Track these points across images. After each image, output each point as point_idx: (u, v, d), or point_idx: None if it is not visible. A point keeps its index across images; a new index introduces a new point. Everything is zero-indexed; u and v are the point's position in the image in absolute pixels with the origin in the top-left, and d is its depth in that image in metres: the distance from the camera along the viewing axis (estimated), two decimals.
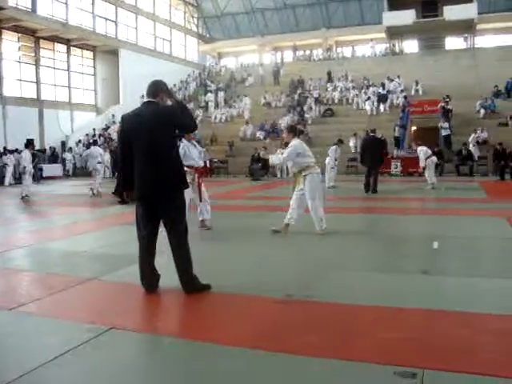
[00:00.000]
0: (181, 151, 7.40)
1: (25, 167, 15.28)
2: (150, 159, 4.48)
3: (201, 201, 8.11)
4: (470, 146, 20.73)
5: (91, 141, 22.94)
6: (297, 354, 3.26)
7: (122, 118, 4.77)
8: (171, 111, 4.66)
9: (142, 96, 31.63)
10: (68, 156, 26.97)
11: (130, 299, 4.63)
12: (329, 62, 35.07)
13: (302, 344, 3.43)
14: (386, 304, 4.25)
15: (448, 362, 3.08)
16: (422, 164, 15.03)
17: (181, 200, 4.63)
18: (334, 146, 15.89)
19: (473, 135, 21.41)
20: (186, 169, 6.83)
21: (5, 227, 9.73)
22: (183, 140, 7.96)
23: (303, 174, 7.52)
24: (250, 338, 3.55)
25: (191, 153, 7.98)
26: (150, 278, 4.70)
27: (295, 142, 7.57)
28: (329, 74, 31.16)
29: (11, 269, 6.10)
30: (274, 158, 8.00)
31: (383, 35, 35.32)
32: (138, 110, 4.69)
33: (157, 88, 4.72)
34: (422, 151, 15.22)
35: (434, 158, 15.46)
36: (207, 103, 31.09)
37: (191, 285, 4.61)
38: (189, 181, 7.11)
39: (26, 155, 15.34)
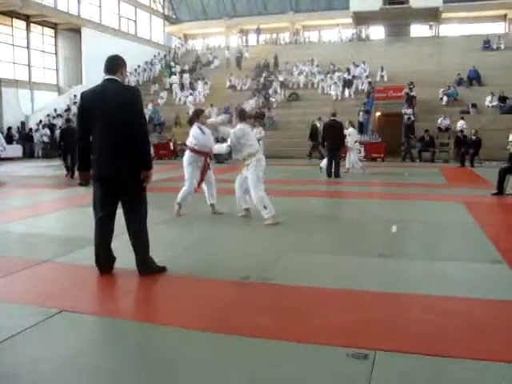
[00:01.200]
0: (194, 135, 7.56)
1: None
2: (111, 138, 4.35)
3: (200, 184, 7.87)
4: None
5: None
6: (248, 335, 3.24)
7: (82, 95, 4.60)
8: (136, 93, 4.53)
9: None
10: (36, 135, 26.21)
11: (83, 282, 4.52)
12: (295, 46, 35.03)
13: (254, 326, 3.41)
14: (342, 286, 4.26)
15: (401, 343, 3.11)
16: (349, 145, 15.12)
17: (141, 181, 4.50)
18: (352, 129, 15.57)
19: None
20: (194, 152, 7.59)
21: None
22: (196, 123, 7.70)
23: (246, 162, 7.27)
24: (202, 321, 3.51)
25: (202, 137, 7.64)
26: (105, 260, 4.60)
27: (239, 127, 7.26)
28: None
29: None
30: (217, 148, 7.80)
31: (350, 21, 35.40)
32: (100, 87, 4.52)
33: (116, 63, 4.56)
34: (354, 133, 15.44)
35: (357, 145, 15.96)
36: (171, 85, 30.68)
37: (146, 267, 4.54)
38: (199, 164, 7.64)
39: None
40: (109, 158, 4.38)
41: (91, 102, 4.44)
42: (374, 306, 3.82)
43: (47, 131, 26.23)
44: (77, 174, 5.38)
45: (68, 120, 18.29)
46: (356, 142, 15.69)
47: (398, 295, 4.07)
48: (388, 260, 5.19)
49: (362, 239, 6.48)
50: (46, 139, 26.08)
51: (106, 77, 4.53)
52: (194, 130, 7.62)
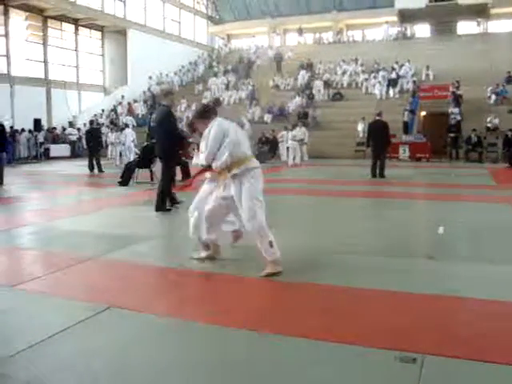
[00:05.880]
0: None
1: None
2: None
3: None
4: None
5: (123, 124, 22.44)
6: (297, 336, 3.22)
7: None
8: None
9: (150, 77, 31.66)
10: (73, 133, 26.73)
11: (129, 279, 4.60)
12: (339, 45, 34.73)
13: (303, 327, 3.39)
14: (389, 288, 4.19)
15: (450, 348, 3.03)
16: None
17: None
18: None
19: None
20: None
21: (11, 206, 9.77)
22: None
23: (232, 172, 4.66)
24: (250, 320, 3.52)
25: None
26: None
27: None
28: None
29: (15, 247, 6.13)
30: (196, 161, 5.27)
31: (395, 18, 34.85)
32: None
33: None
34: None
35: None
36: (216, 86, 30.83)
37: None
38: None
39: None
40: None
41: None
42: (422, 309, 3.74)
43: (75, 131, 26.72)
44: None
45: (92, 122, 18.74)
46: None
47: (446, 298, 3.97)
48: (436, 262, 5.08)
49: (408, 240, 6.37)
50: (73, 138, 26.51)
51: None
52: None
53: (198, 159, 5.01)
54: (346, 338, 3.18)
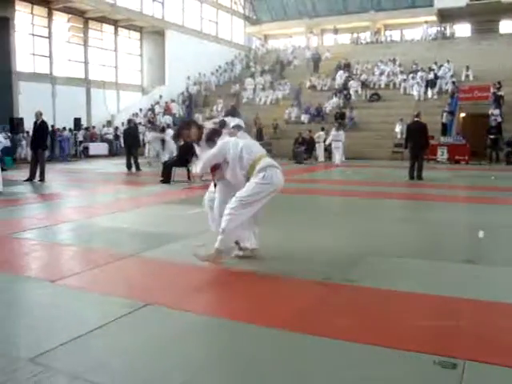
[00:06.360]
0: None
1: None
2: None
3: None
4: None
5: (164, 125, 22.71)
6: (332, 337, 3.20)
7: None
8: None
9: (188, 77, 31.95)
10: (108, 132, 27.11)
11: (166, 276, 4.65)
12: (377, 46, 34.36)
13: (338, 328, 3.36)
14: (427, 291, 4.12)
15: (491, 354, 2.95)
16: None
17: None
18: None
19: None
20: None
21: (52, 202, 10.01)
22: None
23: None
24: (286, 320, 3.51)
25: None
26: None
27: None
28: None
29: (55, 243, 6.28)
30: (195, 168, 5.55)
31: (434, 18, 34.27)
32: None
33: None
34: None
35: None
36: (254, 86, 30.87)
37: None
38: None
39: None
40: None
41: None
42: (461, 314, 3.66)
43: (110, 130, 27.09)
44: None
45: (130, 121, 19.03)
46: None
47: (487, 303, 3.88)
48: (476, 266, 4.97)
49: (446, 243, 6.25)
50: (109, 137, 26.92)
51: None
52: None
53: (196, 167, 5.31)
54: (382, 341, 3.14)
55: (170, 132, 18.38)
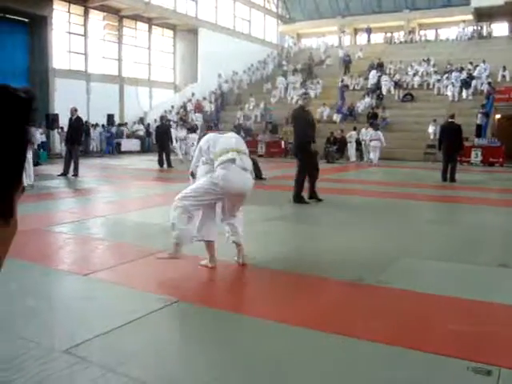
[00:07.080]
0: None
1: None
2: None
3: None
4: None
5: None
6: (362, 338, 3.17)
7: None
8: None
9: (219, 75, 32.09)
10: (139, 128, 27.36)
11: (197, 273, 4.67)
12: (410, 45, 33.93)
13: (370, 329, 3.33)
14: (459, 295, 4.05)
15: None
16: None
17: None
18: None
19: None
20: None
21: (85, 197, 10.18)
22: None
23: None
24: (315, 319, 3.49)
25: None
26: None
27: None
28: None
29: (88, 237, 6.37)
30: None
31: (470, 17, 33.64)
32: None
33: None
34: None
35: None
36: (287, 85, 30.82)
37: None
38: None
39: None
40: None
41: None
42: (496, 319, 3.59)
43: (141, 126, 27.32)
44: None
45: (162, 118, 19.19)
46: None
47: None
48: (509, 270, 4.87)
49: (479, 247, 6.13)
50: (140, 134, 27.12)
51: None
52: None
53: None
54: (414, 344, 3.10)
55: (194, 136, 18.65)
